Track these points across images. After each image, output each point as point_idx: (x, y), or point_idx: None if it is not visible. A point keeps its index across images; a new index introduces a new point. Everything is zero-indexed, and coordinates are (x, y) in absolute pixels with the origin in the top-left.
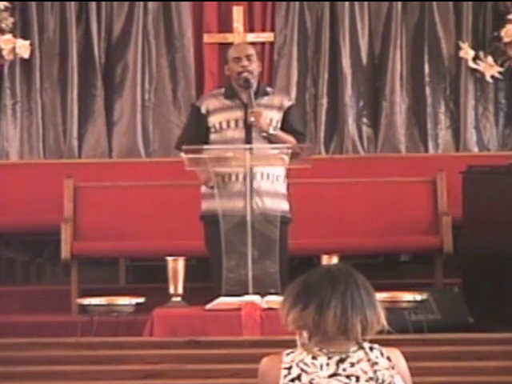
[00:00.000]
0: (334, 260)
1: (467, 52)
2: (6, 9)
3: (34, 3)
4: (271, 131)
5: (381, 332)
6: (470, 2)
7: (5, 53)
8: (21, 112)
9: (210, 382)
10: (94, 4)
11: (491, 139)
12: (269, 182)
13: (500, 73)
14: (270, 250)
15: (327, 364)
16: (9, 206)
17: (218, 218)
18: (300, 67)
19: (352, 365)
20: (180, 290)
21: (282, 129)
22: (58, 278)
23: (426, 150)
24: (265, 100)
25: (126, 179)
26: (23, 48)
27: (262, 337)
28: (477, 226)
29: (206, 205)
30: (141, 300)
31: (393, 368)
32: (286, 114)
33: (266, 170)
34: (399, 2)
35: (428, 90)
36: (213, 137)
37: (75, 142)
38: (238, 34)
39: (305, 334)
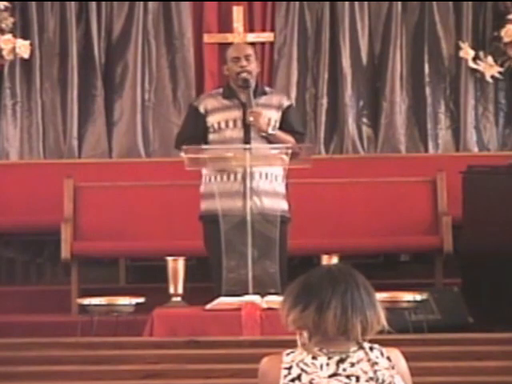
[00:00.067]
0: (334, 260)
1: (467, 52)
2: (6, 9)
3: (33, 3)
4: (270, 131)
5: (381, 332)
6: (470, 2)
7: (5, 53)
8: (21, 112)
9: (209, 382)
10: (94, 4)
11: (491, 139)
12: (267, 181)
13: (500, 73)
14: (270, 249)
15: (327, 364)
16: (9, 206)
17: (217, 217)
18: (300, 67)
19: (352, 365)
20: (180, 290)
21: (281, 128)
22: (58, 277)
23: (426, 150)
24: (263, 99)
25: (126, 179)
26: (23, 48)
27: (261, 337)
28: (477, 226)
29: (205, 205)
30: (141, 300)
31: (393, 368)
32: (285, 113)
33: (265, 170)
34: (399, 2)
35: (428, 90)
36: (211, 137)
37: (75, 142)
38: (238, 34)
39: (305, 334)
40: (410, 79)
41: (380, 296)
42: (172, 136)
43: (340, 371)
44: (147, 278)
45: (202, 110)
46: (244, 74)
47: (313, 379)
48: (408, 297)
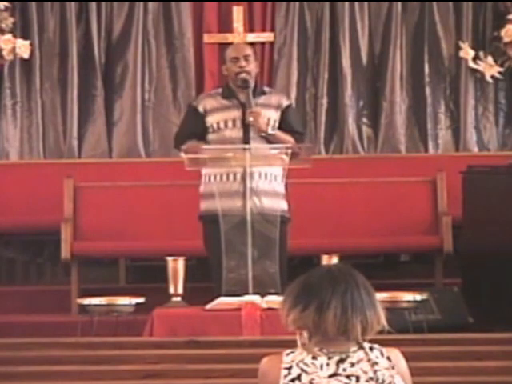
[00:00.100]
0: (334, 260)
1: (467, 52)
2: (6, 9)
3: (33, 3)
4: (270, 131)
5: (381, 332)
6: (470, 2)
7: (5, 53)
8: (21, 112)
9: (210, 382)
10: (94, 4)
11: (491, 139)
12: (266, 181)
13: (500, 73)
14: (270, 249)
15: (327, 364)
16: (9, 206)
17: (216, 217)
18: (300, 67)
19: (352, 365)
20: (180, 290)
21: (280, 128)
22: (58, 277)
23: (426, 150)
24: (262, 99)
25: (126, 179)
26: (23, 48)
27: (261, 337)
28: (477, 226)
29: (204, 205)
30: (141, 300)
31: (393, 368)
32: (284, 113)
33: (264, 170)
34: (399, 2)
35: (428, 90)
36: (210, 137)
37: (75, 142)
38: (238, 34)
39: (305, 334)
40: (410, 79)
41: (380, 296)
42: (172, 136)
43: (340, 371)
44: (147, 277)
45: (201, 109)
46: (243, 75)
47: (313, 379)
48: (408, 297)
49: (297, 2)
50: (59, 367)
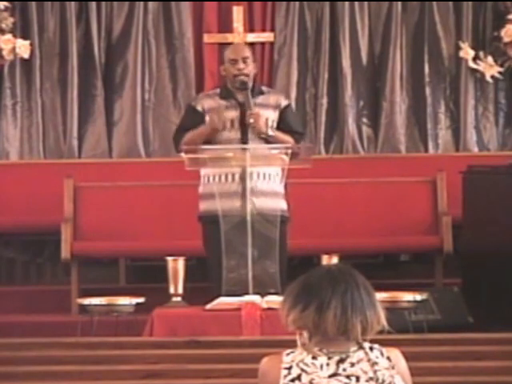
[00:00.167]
0: (334, 260)
1: (467, 52)
2: (6, 9)
3: (33, 3)
4: (270, 133)
5: (381, 332)
6: (470, 2)
7: (5, 53)
8: (21, 112)
9: (210, 382)
10: (94, 4)
11: (491, 139)
12: (265, 181)
13: (500, 73)
14: (270, 249)
15: (327, 364)
16: (9, 206)
17: (216, 218)
18: (300, 67)
19: (352, 365)
20: (180, 290)
21: (279, 128)
22: (58, 277)
23: (426, 150)
24: (260, 99)
25: (126, 179)
26: (23, 48)
27: (261, 337)
28: (477, 226)
29: (204, 205)
30: (141, 300)
31: (393, 368)
32: (283, 113)
33: (263, 170)
34: (399, 2)
35: (428, 90)
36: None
37: (75, 142)
38: (238, 34)
39: (305, 334)
40: (410, 79)
41: (380, 296)
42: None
43: (340, 371)
44: (147, 277)
45: (199, 108)
46: (241, 77)
47: (313, 379)
48: (408, 297)
49: (297, 2)
50: (59, 367)
